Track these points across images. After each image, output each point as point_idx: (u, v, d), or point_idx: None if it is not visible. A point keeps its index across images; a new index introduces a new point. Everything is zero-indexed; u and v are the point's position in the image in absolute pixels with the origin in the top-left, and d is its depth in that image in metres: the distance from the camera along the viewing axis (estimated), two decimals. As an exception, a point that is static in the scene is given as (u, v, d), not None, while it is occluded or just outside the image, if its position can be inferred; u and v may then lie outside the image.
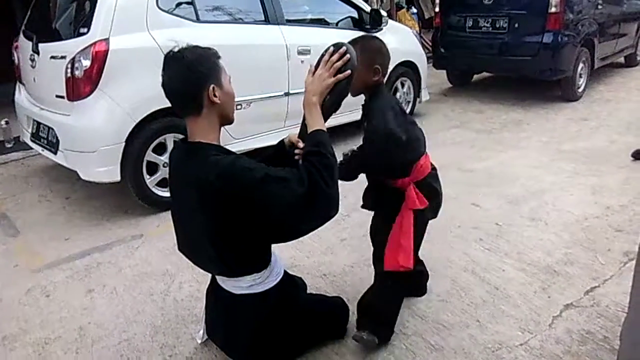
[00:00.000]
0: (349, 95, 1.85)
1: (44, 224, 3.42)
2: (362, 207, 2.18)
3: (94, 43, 3.11)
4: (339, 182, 1.70)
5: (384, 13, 4.85)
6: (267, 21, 4.02)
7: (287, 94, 4.06)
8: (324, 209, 1.65)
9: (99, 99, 3.17)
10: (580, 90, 6.04)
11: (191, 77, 1.63)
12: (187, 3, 3.56)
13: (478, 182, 3.72)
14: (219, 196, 1.60)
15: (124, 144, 3.23)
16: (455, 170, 3.95)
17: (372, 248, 2.24)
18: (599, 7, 6.15)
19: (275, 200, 1.58)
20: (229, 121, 1.79)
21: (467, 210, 3.25)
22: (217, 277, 1.90)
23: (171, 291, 2.56)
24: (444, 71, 6.96)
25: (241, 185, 1.58)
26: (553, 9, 5.45)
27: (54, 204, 3.74)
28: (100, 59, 3.11)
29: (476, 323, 2.19)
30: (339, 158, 1.82)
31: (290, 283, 1.99)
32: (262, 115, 3.92)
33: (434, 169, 2.03)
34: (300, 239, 1.80)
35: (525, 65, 5.78)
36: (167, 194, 3.38)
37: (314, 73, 1.77)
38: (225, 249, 1.72)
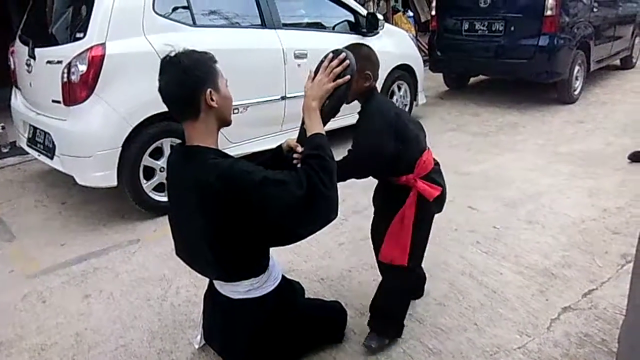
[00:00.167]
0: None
1: (40, 229, 3.41)
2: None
3: (90, 48, 3.11)
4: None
5: (380, 17, 4.85)
6: (263, 25, 4.02)
7: (283, 98, 4.06)
8: (323, 211, 1.65)
9: (95, 104, 3.16)
10: (576, 92, 6.06)
11: (188, 81, 1.63)
12: (184, 7, 3.56)
13: (475, 185, 3.73)
14: (218, 199, 1.60)
15: (120, 148, 3.22)
16: (452, 173, 3.93)
17: (370, 251, 2.24)
18: (595, 10, 6.18)
19: (274, 202, 1.58)
20: (227, 123, 1.79)
21: (463, 213, 3.25)
22: (214, 281, 1.90)
23: (168, 296, 2.55)
24: (441, 74, 6.97)
25: (240, 187, 1.58)
26: (549, 12, 5.48)
27: (50, 209, 3.73)
28: (96, 64, 3.11)
29: (474, 326, 2.19)
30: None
31: (288, 288, 1.99)
32: (259, 119, 3.92)
33: (437, 164, 2.04)
34: (298, 243, 1.79)
35: (521, 68, 5.80)
36: (164, 199, 3.39)
37: (313, 79, 1.79)
38: (223, 253, 1.72)
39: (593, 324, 2.16)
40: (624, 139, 4.60)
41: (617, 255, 2.69)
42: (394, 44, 5.02)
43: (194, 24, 3.59)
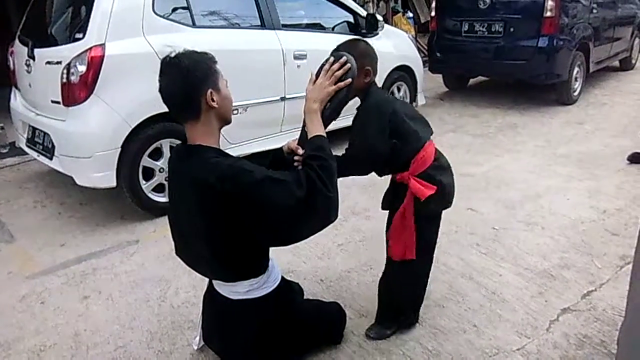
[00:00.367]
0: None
1: (39, 230, 3.40)
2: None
3: (90, 48, 3.10)
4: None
5: (379, 17, 4.86)
6: (263, 26, 4.02)
7: (283, 99, 4.06)
8: (323, 212, 1.65)
9: (95, 105, 3.16)
10: (575, 94, 6.06)
11: (188, 82, 1.63)
12: (183, 8, 3.56)
13: (474, 186, 3.73)
14: (219, 198, 1.59)
15: (119, 149, 3.22)
16: (452, 174, 3.95)
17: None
18: (594, 11, 6.19)
19: (274, 201, 1.59)
20: (227, 122, 1.79)
21: (463, 214, 3.25)
22: (214, 282, 1.90)
23: (167, 297, 2.54)
24: (440, 75, 6.98)
25: (241, 186, 1.58)
26: (548, 13, 5.48)
27: (49, 210, 3.73)
28: (96, 65, 3.10)
29: (473, 328, 2.19)
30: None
31: (288, 289, 1.98)
32: (259, 120, 3.92)
33: (436, 159, 1.99)
34: (297, 244, 1.80)
35: (520, 69, 5.80)
36: (163, 200, 3.39)
37: (315, 81, 1.80)
38: (223, 253, 1.71)
39: (592, 325, 2.16)
40: (623, 140, 4.60)
41: (616, 256, 2.69)
42: (394, 45, 5.02)
43: (194, 25, 3.59)
